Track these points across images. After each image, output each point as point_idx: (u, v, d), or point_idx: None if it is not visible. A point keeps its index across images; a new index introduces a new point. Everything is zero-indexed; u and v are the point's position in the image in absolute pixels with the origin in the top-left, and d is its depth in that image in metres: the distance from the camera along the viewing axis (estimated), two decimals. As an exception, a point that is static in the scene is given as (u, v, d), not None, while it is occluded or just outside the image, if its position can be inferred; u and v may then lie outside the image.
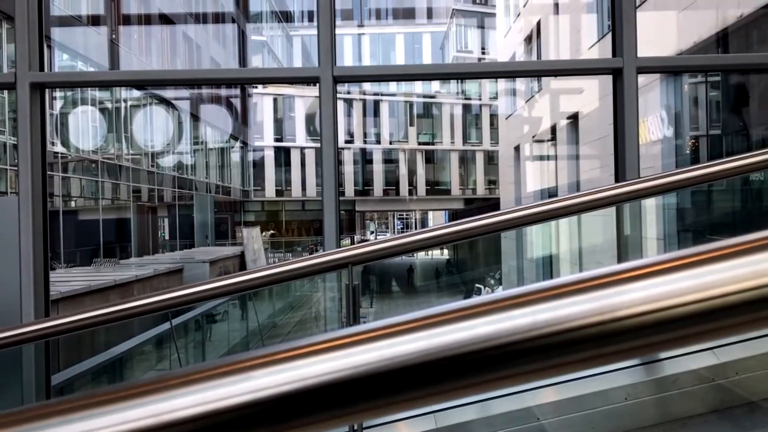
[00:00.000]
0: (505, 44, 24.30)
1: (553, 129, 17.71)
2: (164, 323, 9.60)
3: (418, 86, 38.90)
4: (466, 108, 39.93)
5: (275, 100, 37.51)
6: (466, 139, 39.44)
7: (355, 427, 2.43)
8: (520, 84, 22.12)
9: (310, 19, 39.09)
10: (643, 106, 9.84)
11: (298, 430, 0.48)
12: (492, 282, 23.42)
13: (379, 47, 40.53)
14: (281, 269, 2.32)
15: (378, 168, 38.21)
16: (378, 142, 39.24)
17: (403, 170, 38.38)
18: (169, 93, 25.73)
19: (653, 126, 10.97)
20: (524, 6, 20.91)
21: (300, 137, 37.20)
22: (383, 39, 40.68)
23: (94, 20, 22.13)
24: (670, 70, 8.33)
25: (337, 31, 3.69)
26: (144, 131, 25.05)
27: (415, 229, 35.48)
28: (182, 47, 27.25)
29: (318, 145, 3.64)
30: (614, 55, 3.65)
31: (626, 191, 2.36)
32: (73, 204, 22.08)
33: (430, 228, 2.38)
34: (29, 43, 3.55)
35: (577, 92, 15.17)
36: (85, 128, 21.93)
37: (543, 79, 17.56)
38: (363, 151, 38.36)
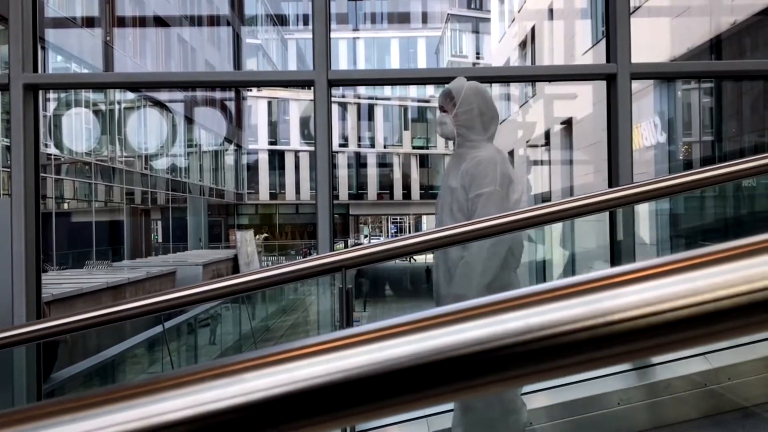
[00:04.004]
0: (499, 49, 24.35)
1: (547, 134, 17.75)
2: (156, 326, 9.57)
3: (413, 90, 38.95)
4: (461, 113, 39.91)
5: (270, 103, 37.50)
6: (460, 143, 39.42)
7: (348, 431, 2.42)
8: (514, 89, 22.15)
9: (305, 23, 39.13)
10: (637, 112, 9.86)
11: (290, 434, 0.48)
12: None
13: (374, 51, 40.58)
14: (275, 272, 2.31)
15: (372, 172, 38.23)
16: (372, 146, 39.28)
17: (397, 174, 38.41)
18: (163, 95, 25.68)
19: (646, 132, 11.02)
20: (519, 11, 20.97)
21: (294, 141, 37.19)
22: (378, 43, 40.74)
23: (89, 22, 22.08)
24: (663, 76, 8.37)
25: (332, 34, 3.69)
26: (138, 133, 24.98)
27: (409, 233, 35.51)
28: (177, 50, 27.22)
29: (312, 148, 3.64)
30: (608, 60, 3.66)
31: (619, 196, 2.37)
32: (65, 206, 21.99)
33: (423, 232, 2.38)
34: (23, 44, 3.54)
35: (571, 98, 15.21)
36: (78, 130, 21.85)
37: (537, 84, 17.60)
38: (357, 154, 38.36)
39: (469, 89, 2.81)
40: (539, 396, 3.16)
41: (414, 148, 39.15)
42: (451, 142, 2.91)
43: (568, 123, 15.62)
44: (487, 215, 2.46)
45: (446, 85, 2.88)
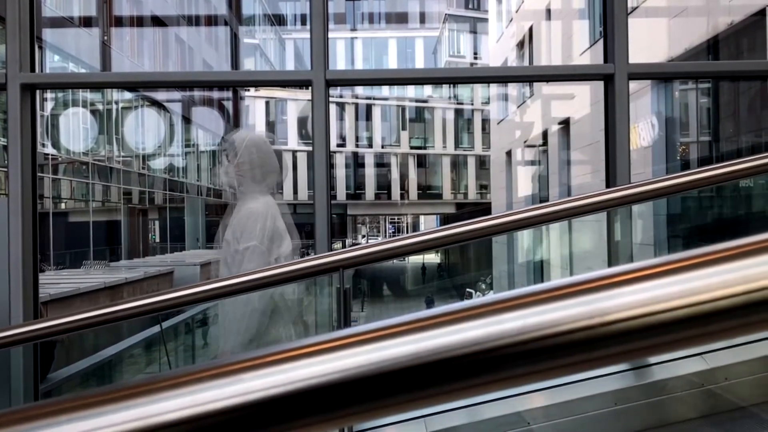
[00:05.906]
0: (497, 49, 24.35)
1: (545, 134, 17.76)
2: (154, 326, 9.55)
3: (411, 90, 38.95)
4: (458, 113, 40.04)
5: (267, 103, 37.47)
6: (458, 143, 39.54)
7: (345, 431, 2.43)
8: (512, 89, 22.18)
9: (303, 23, 39.10)
10: (634, 112, 9.89)
11: (287, 434, 0.48)
12: (483, 286, 23.44)
13: (371, 51, 40.58)
14: (272, 272, 2.31)
15: (370, 172, 38.22)
16: (370, 146, 39.28)
17: (395, 174, 38.42)
18: (160, 95, 25.63)
19: (644, 132, 11.03)
20: (516, 11, 20.98)
21: (292, 140, 37.16)
22: (376, 43, 40.73)
23: (86, 22, 22.04)
24: (661, 76, 8.39)
25: (330, 34, 3.69)
26: (135, 133, 24.94)
27: (407, 233, 35.44)
28: (174, 49, 27.18)
29: (310, 148, 3.64)
30: (606, 61, 3.67)
31: (617, 197, 2.37)
32: (63, 206, 21.95)
33: (421, 232, 2.38)
34: (20, 44, 3.53)
35: (569, 98, 15.21)
36: (75, 130, 21.81)
37: (535, 84, 17.60)
38: (355, 155, 38.34)
39: (248, 142, 2.88)
40: (536, 396, 3.16)
41: (412, 148, 39.16)
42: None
43: (565, 123, 15.63)
44: (250, 269, 2.50)
45: (232, 136, 2.96)
